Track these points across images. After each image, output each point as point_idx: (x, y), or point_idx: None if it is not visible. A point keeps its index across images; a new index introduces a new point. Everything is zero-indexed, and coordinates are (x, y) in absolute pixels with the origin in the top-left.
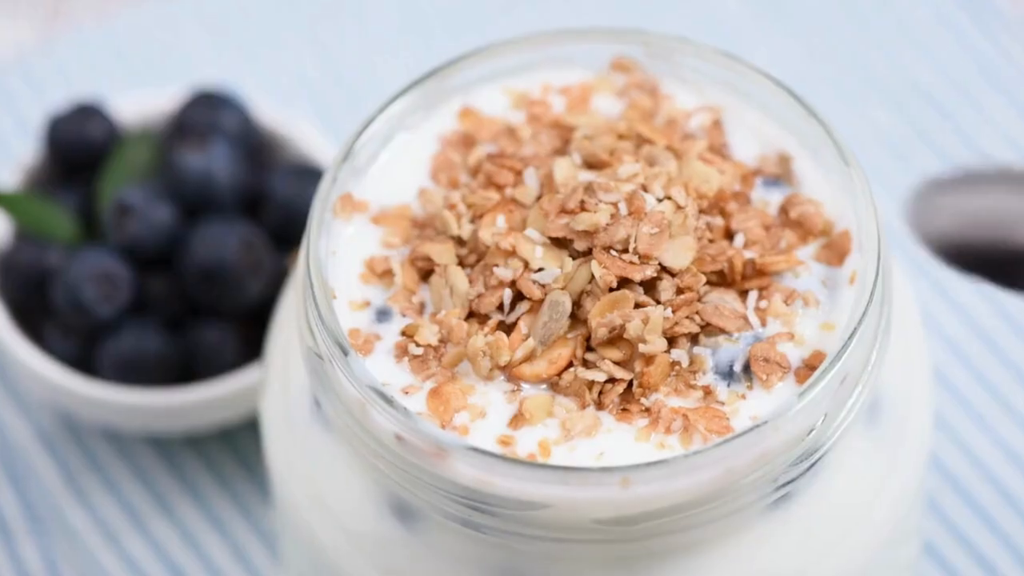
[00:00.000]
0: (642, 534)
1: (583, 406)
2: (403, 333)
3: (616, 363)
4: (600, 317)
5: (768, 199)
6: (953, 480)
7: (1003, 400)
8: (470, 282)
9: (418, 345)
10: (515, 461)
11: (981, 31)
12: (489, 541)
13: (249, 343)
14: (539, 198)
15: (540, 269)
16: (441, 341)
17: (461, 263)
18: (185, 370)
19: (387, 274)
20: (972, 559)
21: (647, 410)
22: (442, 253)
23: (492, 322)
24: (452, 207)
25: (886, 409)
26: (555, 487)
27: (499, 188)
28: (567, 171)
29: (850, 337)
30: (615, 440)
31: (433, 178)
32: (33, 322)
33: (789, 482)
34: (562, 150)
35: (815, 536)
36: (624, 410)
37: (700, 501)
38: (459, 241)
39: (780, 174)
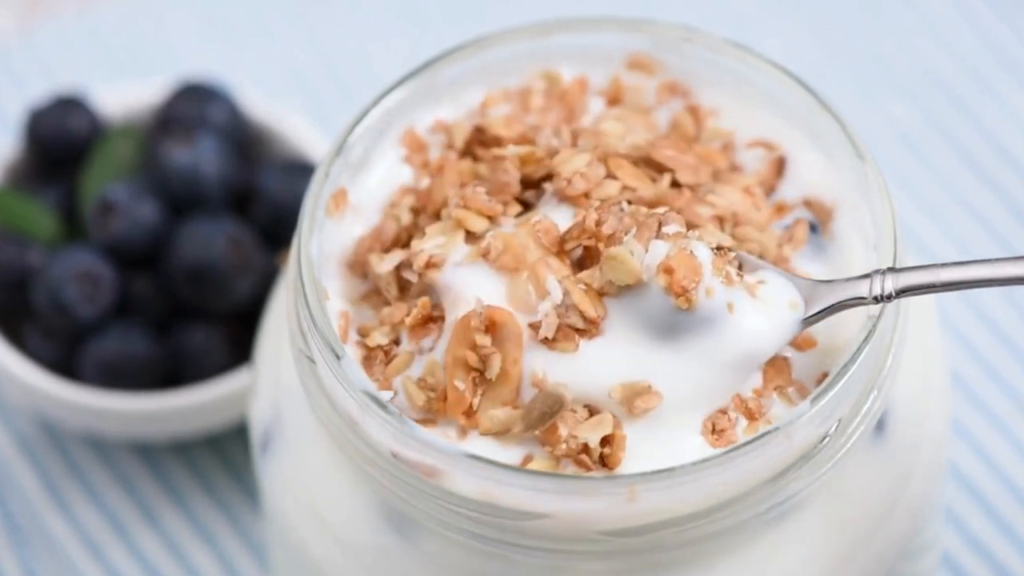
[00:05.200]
0: (646, 546)
1: (584, 467)
2: (359, 332)
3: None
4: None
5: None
6: (970, 487)
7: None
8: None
9: (369, 348)
10: (516, 470)
11: (1000, 19)
12: (488, 552)
13: (238, 345)
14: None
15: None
16: (393, 342)
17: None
18: (171, 374)
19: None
20: (991, 570)
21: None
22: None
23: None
24: (393, 206)
25: (902, 416)
26: (558, 497)
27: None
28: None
29: (865, 340)
30: None
31: (406, 161)
32: (12, 324)
33: (800, 491)
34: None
35: (827, 548)
36: (719, 431)
37: (707, 511)
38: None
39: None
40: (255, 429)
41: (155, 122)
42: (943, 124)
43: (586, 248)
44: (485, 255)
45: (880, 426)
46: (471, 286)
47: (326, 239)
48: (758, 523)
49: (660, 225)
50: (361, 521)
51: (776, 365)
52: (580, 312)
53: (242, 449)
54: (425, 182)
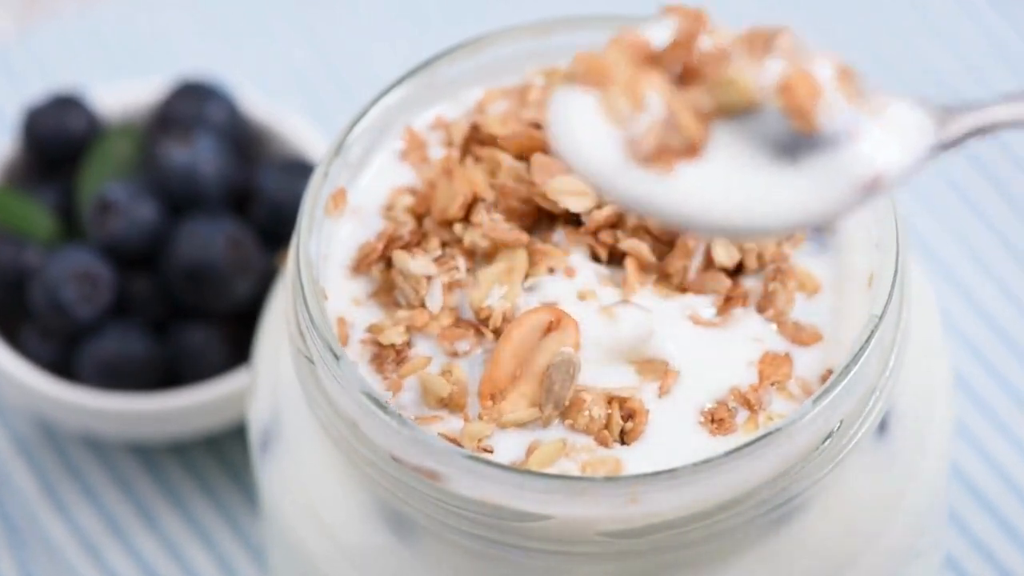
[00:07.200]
0: (647, 547)
1: (603, 442)
2: (369, 331)
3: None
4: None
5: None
6: (974, 490)
7: None
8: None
9: (382, 346)
10: (517, 470)
11: (1002, 16)
12: (488, 554)
13: (236, 346)
14: None
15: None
16: (405, 344)
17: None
18: (169, 374)
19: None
20: (993, 571)
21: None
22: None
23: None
24: (390, 208)
25: (904, 417)
26: (559, 498)
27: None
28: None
29: (867, 340)
30: None
31: (404, 157)
32: (10, 324)
33: (802, 492)
34: None
35: (830, 549)
36: (718, 420)
37: (709, 512)
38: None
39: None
40: (254, 430)
41: (154, 121)
42: None
43: (685, 66)
44: (570, 78)
45: (883, 426)
46: (561, 111)
47: (325, 239)
48: (760, 524)
49: (770, 40)
50: (360, 522)
51: (774, 360)
52: (683, 132)
53: (241, 450)
54: (425, 181)
